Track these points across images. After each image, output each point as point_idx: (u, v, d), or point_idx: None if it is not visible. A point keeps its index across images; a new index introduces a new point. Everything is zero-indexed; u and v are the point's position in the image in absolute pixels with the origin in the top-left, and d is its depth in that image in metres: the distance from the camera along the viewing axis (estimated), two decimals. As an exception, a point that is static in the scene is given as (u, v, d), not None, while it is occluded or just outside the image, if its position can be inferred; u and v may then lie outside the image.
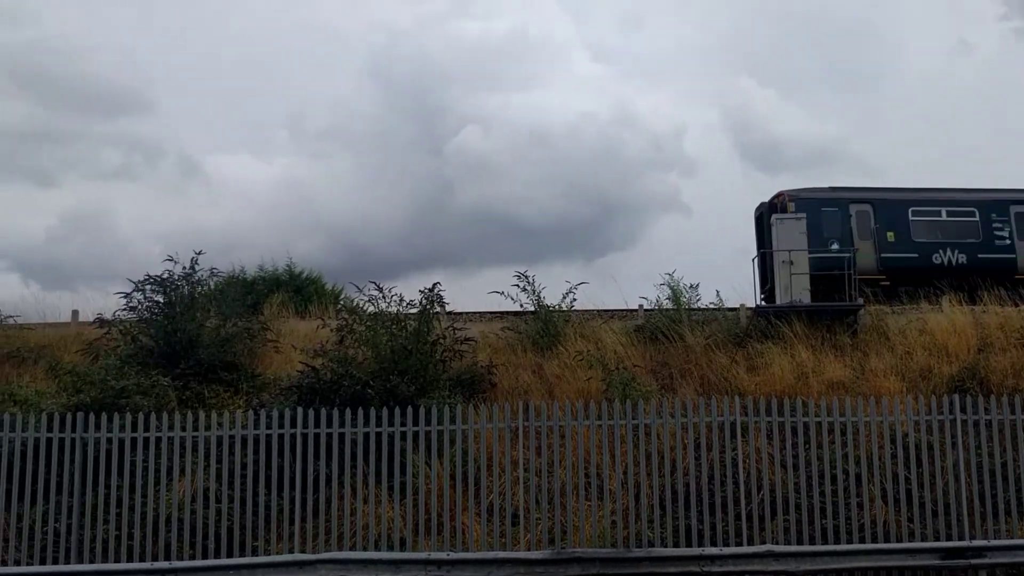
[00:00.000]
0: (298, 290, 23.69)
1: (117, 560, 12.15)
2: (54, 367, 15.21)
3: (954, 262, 22.79)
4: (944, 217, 23.53)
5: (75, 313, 18.72)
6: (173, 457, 12.68)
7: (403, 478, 12.65)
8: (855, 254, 21.35)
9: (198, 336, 15.83)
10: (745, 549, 12.01)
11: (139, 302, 16.40)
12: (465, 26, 69.21)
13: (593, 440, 12.95)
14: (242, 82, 66.10)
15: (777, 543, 12.18)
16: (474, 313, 19.46)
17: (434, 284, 16.03)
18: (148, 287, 16.25)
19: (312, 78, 69.38)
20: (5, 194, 59.50)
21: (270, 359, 16.89)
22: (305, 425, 12.76)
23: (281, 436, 12.74)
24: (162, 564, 11.76)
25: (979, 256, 22.85)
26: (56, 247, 54.66)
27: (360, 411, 12.87)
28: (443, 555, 11.77)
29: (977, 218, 23.35)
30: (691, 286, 19.17)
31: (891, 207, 23.46)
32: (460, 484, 12.58)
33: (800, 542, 12.31)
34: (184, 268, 16.50)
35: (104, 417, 12.75)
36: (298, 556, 11.82)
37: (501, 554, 11.89)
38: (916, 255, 22.94)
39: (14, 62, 64.82)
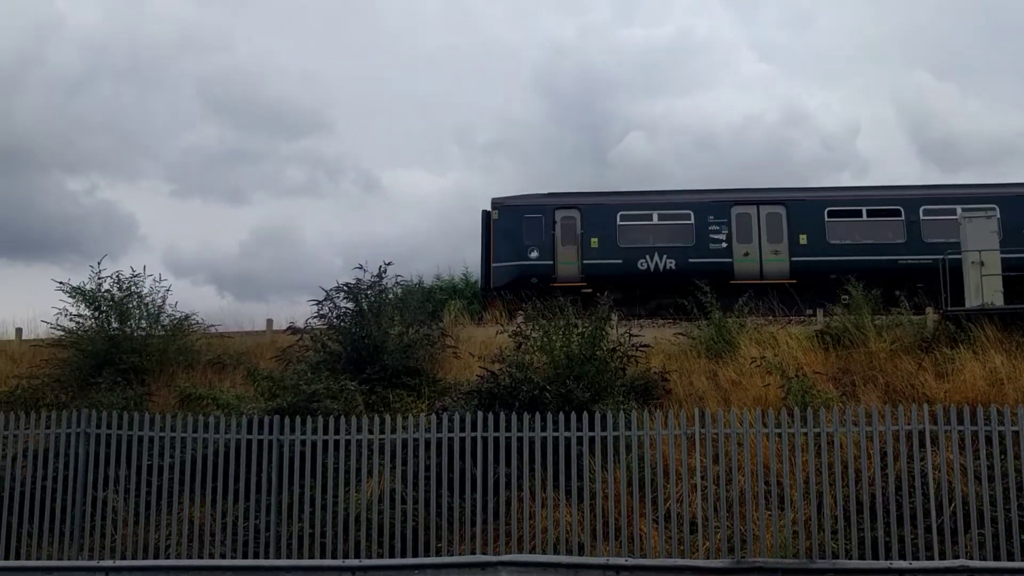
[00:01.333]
0: (473, 298, 24.20)
1: (311, 556, 12.73)
2: (252, 373, 16.10)
3: (661, 268, 22.01)
4: (655, 221, 22.69)
5: (269, 322, 19.77)
6: (361, 459, 13.20)
7: (580, 483, 12.73)
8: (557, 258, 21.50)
9: (383, 343, 16.38)
10: (937, 564, 11.43)
11: (328, 310, 17.18)
12: (629, 34, 69.04)
13: (772, 448, 12.66)
14: (415, 99, 68.14)
15: (971, 558, 11.56)
16: (647, 319, 19.35)
17: (605, 291, 16.06)
18: (339, 295, 16.99)
19: (480, 93, 70.80)
20: (203, 211, 63.48)
21: (450, 365, 17.31)
22: (485, 429, 13.03)
23: (463, 439, 13.05)
24: (352, 562, 12.21)
25: (690, 261, 21.96)
26: (248, 260, 57.92)
27: (537, 416, 13.03)
28: (621, 560, 11.74)
29: (692, 221, 22.47)
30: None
31: (599, 212, 22.73)
32: (637, 490, 12.53)
33: (997, 558, 11.65)
34: (372, 277, 17.17)
35: (298, 420, 13.40)
36: (480, 557, 12.04)
37: (680, 561, 11.77)
38: (620, 261, 22.23)
39: (208, 89, 69.01)
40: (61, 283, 17.33)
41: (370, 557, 12.50)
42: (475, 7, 73.82)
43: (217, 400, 15.52)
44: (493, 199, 23.79)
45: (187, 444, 13.43)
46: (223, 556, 12.82)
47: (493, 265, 23.40)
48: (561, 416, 12.97)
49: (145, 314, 17.63)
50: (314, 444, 13.28)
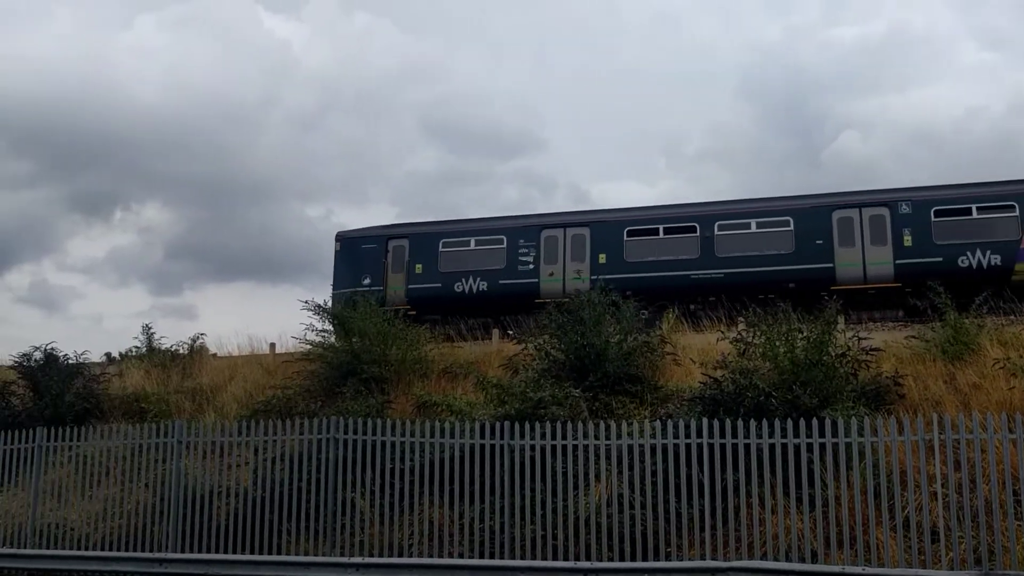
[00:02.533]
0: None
1: (544, 557, 13.14)
2: (481, 381, 16.76)
3: (475, 290, 23.43)
4: (472, 246, 24.03)
5: (493, 332, 20.47)
6: (588, 464, 13.49)
7: (811, 489, 12.47)
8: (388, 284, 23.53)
9: (604, 350, 16.63)
10: None
11: (549, 320, 17.64)
12: (838, 32, 66.51)
13: (1021, 456, 11.93)
14: (623, 112, 68.53)
15: None
16: (876, 322, 18.63)
17: (831, 294, 15.62)
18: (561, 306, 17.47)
19: (687, 102, 70.31)
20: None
21: (671, 372, 17.34)
22: (711, 435, 13.01)
23: (688, 445, 13.07)
24: (584, 564, 12.53)
25: (500, 282, 23.30)
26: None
27: (764, 422, 12.88)
28: (857, 570, 11.44)
29: (504, 245, 23.70)
30: None
31: (424, 241, 24.49)
32: (872, 498, 12.14)
33: None
34: (590, 287, 17.51)
35: (527, 426, 13.86)
36: (710, 563, 12.06)
37: (921, 572, 11.32)
38: (440, 285, 23.87)
39: (428, 116, 72.27)
40: (306, 302, 18.72)
41: (601, 560, 12.76)
42: (679, 16, 73.45)
43: (451, 407, 16.27)
44: (337, 233, 26.06)
45: (425, 448, 14.17)
46: (461, 555, 13.43)
47: (332, 292, 25.22)
48: (789, 422, 12.76)
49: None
50: (542, 449, 13.69)
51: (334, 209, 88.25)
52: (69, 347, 22.42)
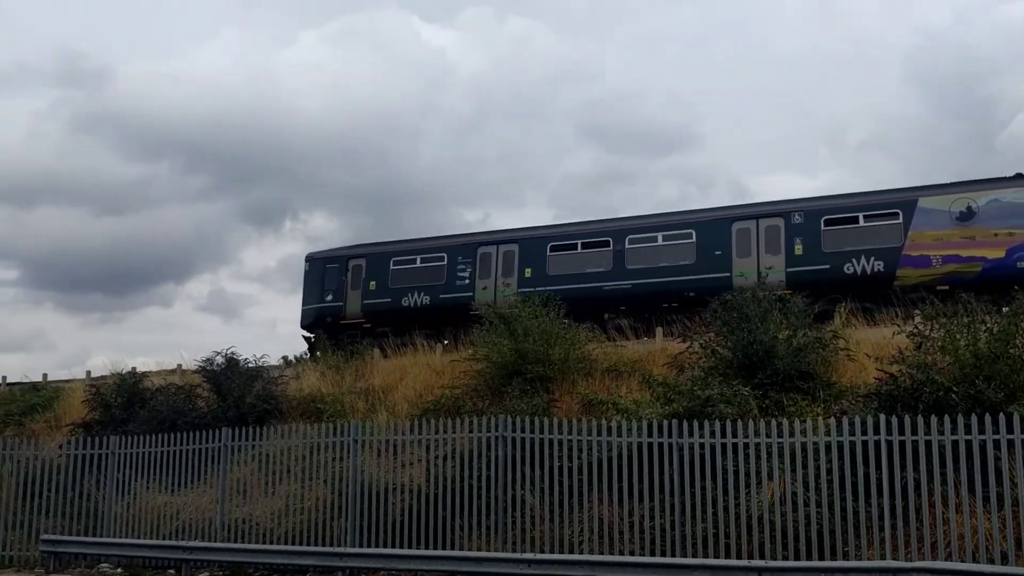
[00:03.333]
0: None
1: (716, 555, 13.21)
2: (647, 379, 16.91)
3: (419, 303, 25.67)
4: (418, 264, 26.25)
5: (658, 331, 20.56)
6: (760, 462, 13.47)
7: (999, 488, 12.09)
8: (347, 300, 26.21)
9: (773, 347, 16.49)
10: None
11: (713, 318, 17.62)
12: (1013, 8, 62.93)
13: None
14: (781, 104, 67.08)
15: None
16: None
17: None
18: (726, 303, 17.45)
19: (850, 90, 68.17)
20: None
21: (844, 367, 17.03)
22: (888, 432, 12.78)
23: (864, 443, 12.89)
24: (757, 562, 12.53)
25: (441, 297, 25.41)
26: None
27: (946, 418, 12.56)
28: (1052, 572, 11.04)
29: (445, 262, 25.76)
30: None
31: (378, 260, 26.83)
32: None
33: None
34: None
35: (695, 424, 13.95)
36: (890, 563, 11.86)
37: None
38: (390, 299, 26.13)
39: (583, 116, 72.76)
40: (471, 304, 19.30)
41: (775, 559, 12.73)
42: (838, 3, 71.23)
43: (616, 405, 16.49)
44: (306, 254, 29.13)
45: (592, 446, 14.47)
46: (631, 553, 13.65)
47: (302, 308, 28.38)
48: (973, 418, 12.40)
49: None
50: (712, 447, 13.75)
51: (492, 212, 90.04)
52: (247, 351, 23.90)
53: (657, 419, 14.60)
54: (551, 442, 14.74)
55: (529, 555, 13.85)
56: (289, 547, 15.84)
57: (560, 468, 14.61)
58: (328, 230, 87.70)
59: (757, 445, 13.54)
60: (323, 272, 27.99)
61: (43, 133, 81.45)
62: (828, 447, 13.14)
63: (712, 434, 13.80)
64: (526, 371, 18.13)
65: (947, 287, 20.17)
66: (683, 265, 23.54)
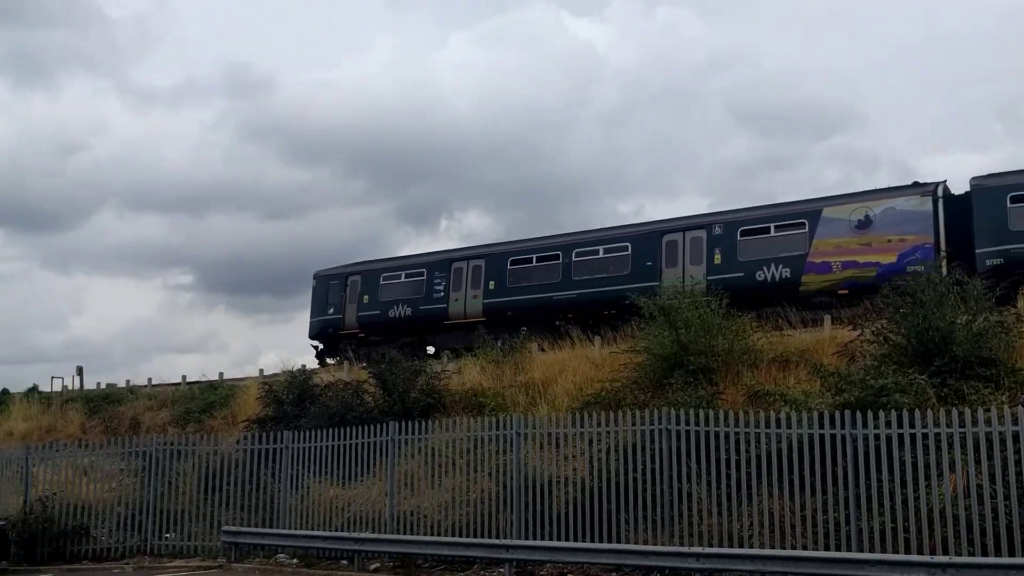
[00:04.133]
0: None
1: (894, 551, 12.83)
2: (817, 369, 16.57)
3: (403, 315, 28.75)
4: (403, 279, 29.24)
5: (826, 318, 20.08)
6: (940, 453, 13.01)
7: None
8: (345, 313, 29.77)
9: (950, 333, 15.88)
10: None
11: (885, 304, 17.09)
12: None
13: None
14: (948, 81, 64.01)
15: None
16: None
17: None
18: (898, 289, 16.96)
19: (1019, 64, 64.32)
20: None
21: (1030, 353, 16.25)
22: (1084, 420, 12.15)
23: (1056, 432, 12.29)
24: (941, 558, 12.14)
25: (421, 308, 28.38)
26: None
27: None
28: None
29: (424, 277, 28.73)
30: None
31: (371, 276, 30.17)
32: None
33: None
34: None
35: (869, 414, 13.59)
36: (1089, 560, 11.28)
37: None
38: (379, 312, 29.30)
39: (736, 102, 71.52)
40: (628, 296, 19.35)
41: (959, 554, 12.28)
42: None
43: (784, 396, 16.23)
44: (313, 272, 32.50)
45: (760, 438, 14.30)
46: (804, 547, 13.42)
47: (309, 320, 32.21)
48: None
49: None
50: (888, 438, 13.37)
51: (645, 204, 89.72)
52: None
53: (828, 410, 14.30)
54: (717, 435, 14.64)
55: (697, 549, 13.82)
56: (457, 539, 16.29)
57: (727, 461, 14.49)
58: (481, 227, 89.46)
59: (936, 435, 13.08)
60: (327, 288, 31.63)
61: (211, 143, 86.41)
62: (1016, 437, 12.57)
63: (888, 424, 13.41)
64: (688, 363, 18.04)
65: (847, 291, 22.23)
66: (620, 275, 25.84)
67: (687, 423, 14.92)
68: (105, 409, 28.41)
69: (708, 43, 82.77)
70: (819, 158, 77.09)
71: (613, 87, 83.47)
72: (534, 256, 28.08)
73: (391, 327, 29.51)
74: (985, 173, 22.42)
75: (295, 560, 18.04)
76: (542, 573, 15.52)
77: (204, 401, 26.02)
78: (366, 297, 30.56)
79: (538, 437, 16.43)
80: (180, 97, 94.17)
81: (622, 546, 14.63)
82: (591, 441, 15.86)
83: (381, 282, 30.47)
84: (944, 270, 19.58)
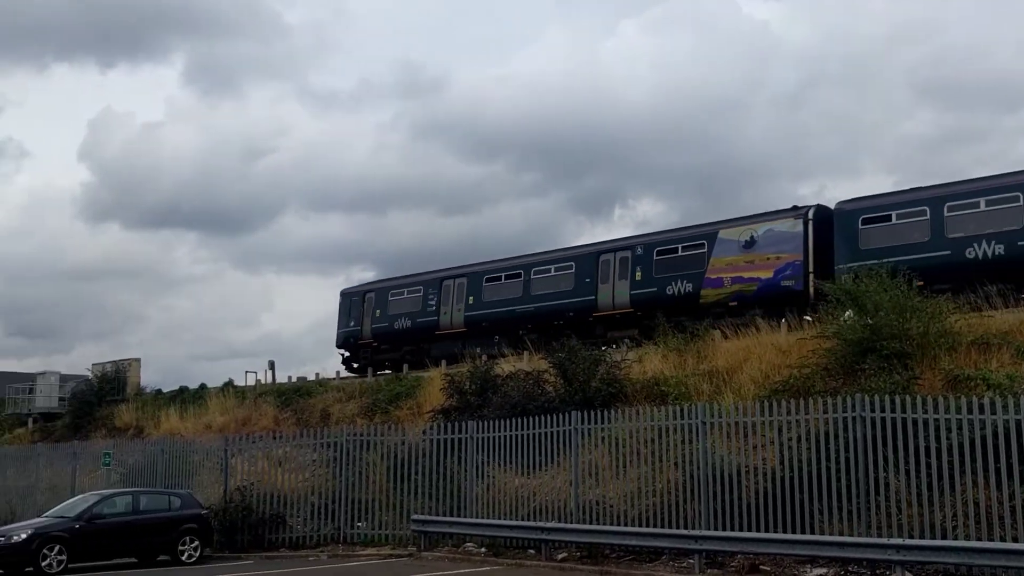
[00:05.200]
0: None
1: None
2: (1022, 351, 15.87)
3: (405, 326, 34.32)
4: (406, 295, 34.86)
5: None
6: None
7: None
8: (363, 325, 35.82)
9: None
10: None
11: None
12: None
13: None
14: None
15: None
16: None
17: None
18: None
19: None
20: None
21: None
22: None
23: None
24: None
25: (418, 320, 33.99)
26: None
27: None
28: None
29: (421, 294, 34.26)
30: None
31: (381, 293, 35.92)
32: None
33: None
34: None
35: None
36: None
37: None
38: (387, 324, 34.96)
39: (919, 76, 68.58)
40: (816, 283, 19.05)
41: None
42: None
43: (987, 380, 15.70)
44: (340, 290, 38.66)
45: (963, 425, 13.89)
46: (1014, 539, 12.97)
47: (336, 331, 37.60)
48: None
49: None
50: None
51: (827, 184, 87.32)
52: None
53: (1038, 394, 13.73)
54: (915, 421, 14.29)
55: (896, 540, 13.57)
56: (644, 529, 16.52)
57: (927, 449, 14.14)
58: (655, 214, 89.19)
59: None
60: (350, 303, 37.13)
61: (388, 143, 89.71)
62: None
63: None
64: (881, 347, 17.61)
65: (736, 303, 26.04)
66: (566, 291, 30.09)
67: (882, 410, 14.63)
68: (296, 401, 30.04)
69: (888, 17, 79.65)
70: (1009, 132, 72.96)
71: (789, 66, 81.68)
72: (503, 275, 32.55)
73: (396, 337, 34.94)
74: (849, 198, 25.73)
75: (483, 549, 18.67)
76: (732, 564, 15.53)
77: (390, 392, 27.12)
78: (378, 311, 35.82)
79: (724, 426, 16.44)
80: (357, 99, 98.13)
81: (817, 537, 14.52)
82: (780, 430, 15.76)
83: (389, 298, 35.75)
84: (811, 284, 24.10)
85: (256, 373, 37.79)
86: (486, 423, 19.72)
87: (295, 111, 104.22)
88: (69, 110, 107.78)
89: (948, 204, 23.08)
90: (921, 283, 19.32)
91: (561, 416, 18.53)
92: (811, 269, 24.72)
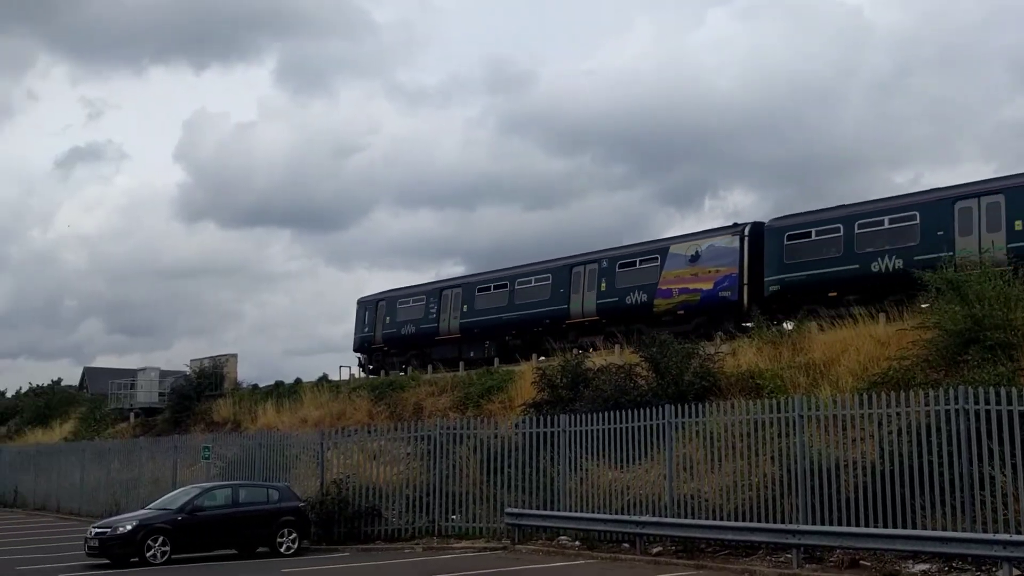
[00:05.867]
0: None
1: None
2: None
3: (410, 332, 37.90)
4: (411, 304, 38.41)
5: None
6: None
7: None
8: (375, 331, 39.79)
9: None
10: None
11: None
12: None
13: None
14: None
15: None
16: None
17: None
18: None
19: None
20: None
21: None
22: None
23: None
24: None
25: (421, 327, 37.27)
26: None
27: None
28: None
29: (423, 303, 37.64)
30: None
31: (392, 302, 39.51)
32: None
33: None
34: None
35: None
36: None
37: None
38: (395, 330, 38.67)
39: (1018, 60, 66.50)
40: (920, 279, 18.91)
41: None
42: None
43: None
44: (357, 299, 42.01)
45: (1072, 418, 13.56)
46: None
47: (353, 336, 41.02)
48: None
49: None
50: None
51: (923, 172, 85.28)
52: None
53: None
54: (1021, 414, 14.02)
55: (1003, 536, 13.37)
56: (740, 523, 16.53)
57: (1034, 442, 13.87)
58: (746, 204, 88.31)
59: None
60: (365, 311, 40.56)
61: (476, 139, 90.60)
62: None
63: None
64: (984, 338, 17.29)
65: (683, 312, 28.64)
66: (544, 300, 32.87)
67: (987, 402, 14.41)
68: (389, 395, 30.64)
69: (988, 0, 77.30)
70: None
71: (883, 52, 80.00)
72: (491, 285, 35.42)
73: (403, 342, 38.24)
74: (779, 216, 27.89)
75: (577, 542, 18.86)
76: (831, 559, 15.46)
77: (482, 386, 27.47)
78: (388, 318, 39.10)
79: (822, 419, 16.35)
80: (445, 95, 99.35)
81: (919, 532, 14.38)
82: (880, 423, 15.63)
83: (398, 307, 38.92)
84: (745, 295, 26.78)
85: (350, 367, 39.77)
86: (578, 416, 19.91)
87: (384, 108, 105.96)
88: (165, 112, 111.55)
89: (858, 222, 25.10)
90: (834, 294, 23.87)
91: (654, 410, 18.61)
92: (746, 281, 27.27)
